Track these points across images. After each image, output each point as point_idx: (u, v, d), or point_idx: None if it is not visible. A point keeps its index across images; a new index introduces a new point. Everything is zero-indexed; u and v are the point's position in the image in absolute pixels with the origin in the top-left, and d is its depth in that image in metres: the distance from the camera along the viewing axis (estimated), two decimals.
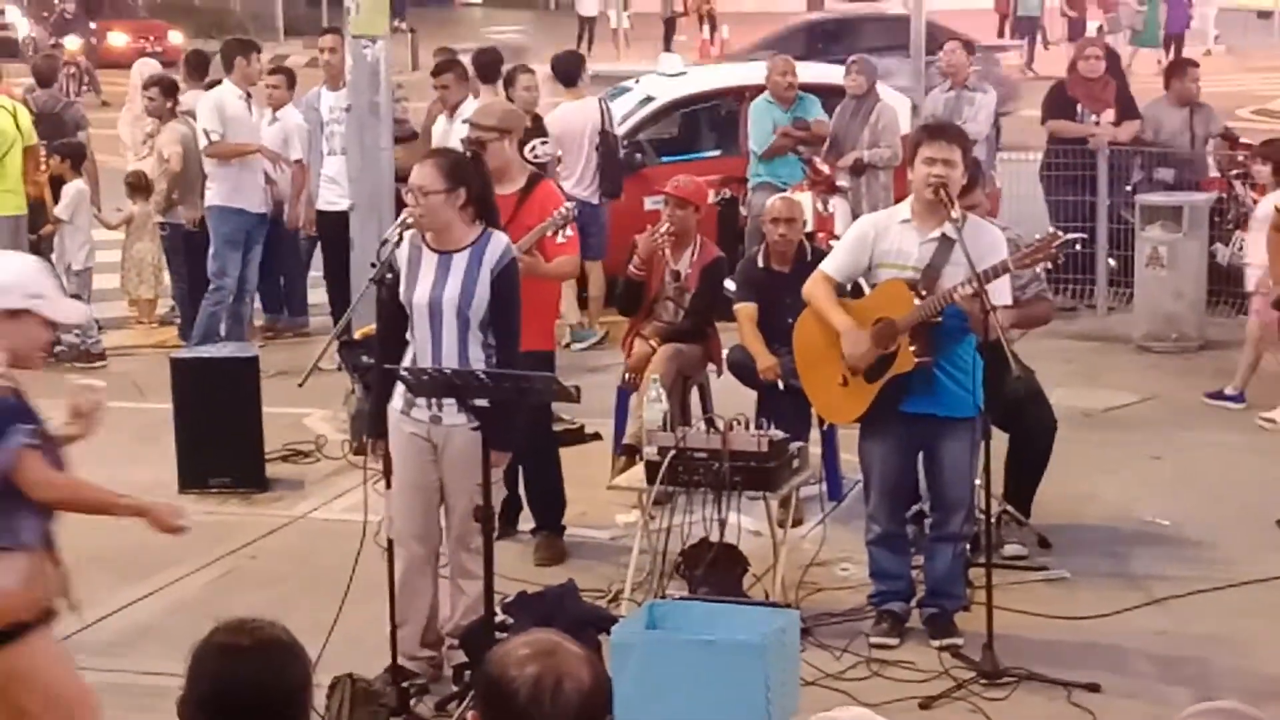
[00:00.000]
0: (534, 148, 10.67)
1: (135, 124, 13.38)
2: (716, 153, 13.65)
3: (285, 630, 3.22)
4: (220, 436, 8.97)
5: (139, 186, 12.69)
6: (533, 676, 2.84)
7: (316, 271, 12.58)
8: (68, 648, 5.42)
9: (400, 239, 6.33)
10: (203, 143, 11.54)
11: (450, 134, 10.94)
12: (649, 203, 11.48)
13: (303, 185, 12.08)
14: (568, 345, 11.56)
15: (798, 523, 7.92)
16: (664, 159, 13.25)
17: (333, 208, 11.64)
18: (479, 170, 6.62)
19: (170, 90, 12.29)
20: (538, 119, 11.43)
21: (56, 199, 12.29)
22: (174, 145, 11.93)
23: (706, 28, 34.14)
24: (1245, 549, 7.88)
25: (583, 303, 12.13)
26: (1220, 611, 7.21)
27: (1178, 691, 6.37)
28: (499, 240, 6.38)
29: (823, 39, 21.10)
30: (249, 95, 11.76)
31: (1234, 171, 12.48)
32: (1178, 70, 13.00)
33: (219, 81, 12.01)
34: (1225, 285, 12.14)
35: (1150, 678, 6.60)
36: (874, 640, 6.90)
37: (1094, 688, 6.41)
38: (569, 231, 7.58)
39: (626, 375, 8.75)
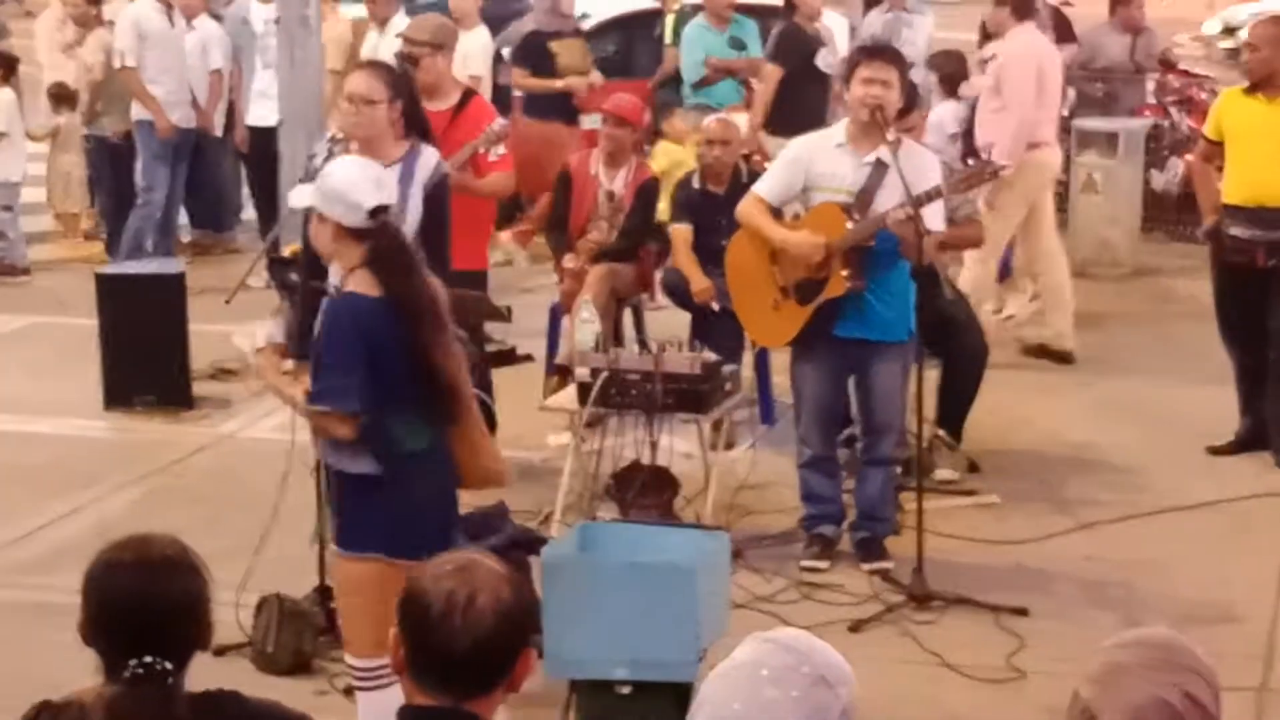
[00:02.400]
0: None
1: (54, 34, 13.08)
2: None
3: (177, 545, 3.16)
4: (146, 353, 8.85)
5: (64, 98, 12.45)
6: (446, 591, 2.80)
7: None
8: None
9: (330, 154, 6.23)
10: (115, 63, 11.34)
11: (380, 48, 10.79)
12: (586, 121, 11.40)
13: (219, 94, 11.93)
14: None
15: (730, 446, 7.90)
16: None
17: (262, 122, 11.49)
18: (410, 85, 6.55)
19: None
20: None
21: None
22: (98, 54, 11.73)
23: None
24: (1173, 476, 7.92)
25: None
26: (1147, 537, 7.25)
27: (1104, 616, 6.41)
28: (430, 155, 6.29)
29: None
30: (170, 6, 11.55)
31: (1170, 98, 12.49)
32: None
33: None
34: (1160, 211, 12.18)
35: (1077, 602, 6.64)
36: (804, 563, 6.90)
37: (1022, 611, 6.44)
38: (501, 149, 7.50)
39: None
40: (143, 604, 3.06)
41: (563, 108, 11.52)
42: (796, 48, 11.08)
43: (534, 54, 11.58)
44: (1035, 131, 9.34)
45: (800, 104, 10.69)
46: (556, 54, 11.39)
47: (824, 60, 10.98)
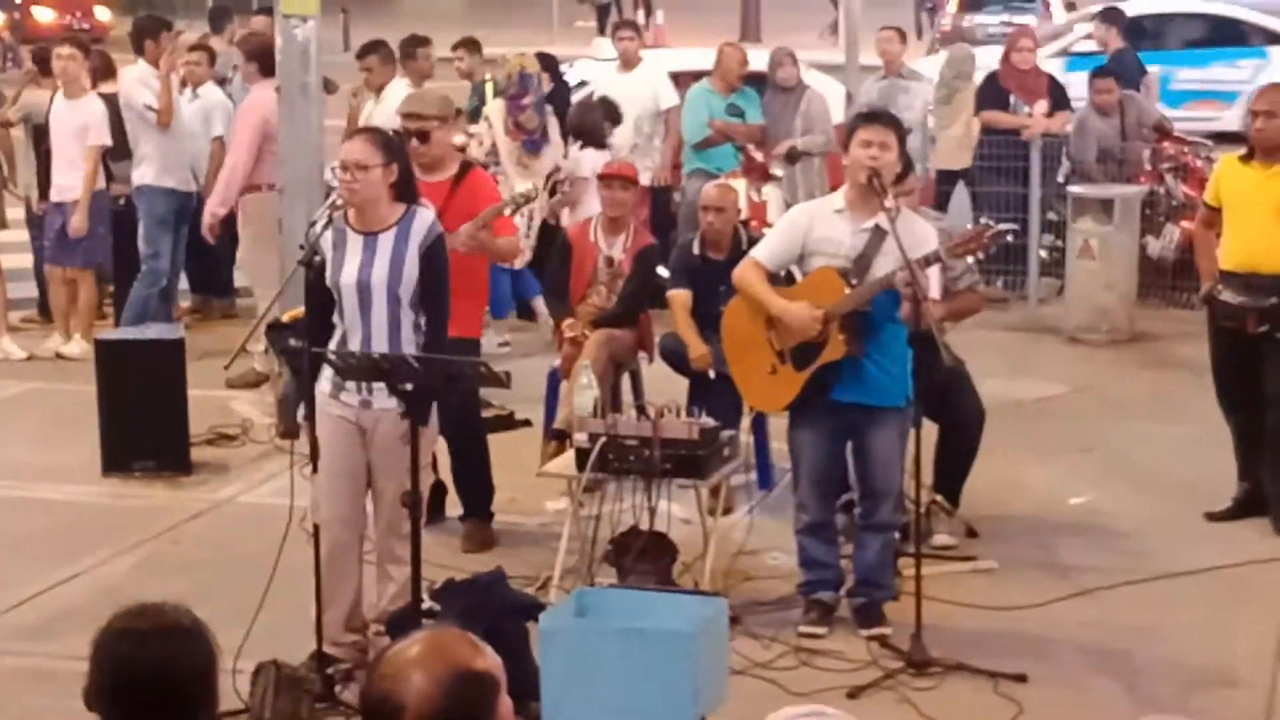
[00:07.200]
0: None
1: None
2: None
3: (188, 613, 3.16)
4: (145, 419, 8.85)
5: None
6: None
7: None
8: None
9: (329, 221, 6.27)
10: (150, 117, 11.25)
11: (374, 115, 10.86)
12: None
13: (221, 162, 11.95)
14: None
15: (728, 511, 7.90)
16: None
17: None
18: (404, 150, 6.60)
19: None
20: None
21: None
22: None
23: (641, 13, 34.09)
24: (1173, 541, 7.91)
25: None
26: (1147, 603, 7.24)
27: (1104, 682, 6.40)
28: (425, 216, 6.31)
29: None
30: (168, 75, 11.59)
31: (1165, 165, 12.56)
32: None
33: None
34: (1156, 278, 12.24)
35: (1077, 668, 6.62)
36: (802, 629, 6.88)
37: (1021, 678, 6.42)
38: (508, 213, 7.67)
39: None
40: (156, 673, 3.05)
41: None
42: None
43: None
44: (257, 174, 10.55)
45: None
46: None
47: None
